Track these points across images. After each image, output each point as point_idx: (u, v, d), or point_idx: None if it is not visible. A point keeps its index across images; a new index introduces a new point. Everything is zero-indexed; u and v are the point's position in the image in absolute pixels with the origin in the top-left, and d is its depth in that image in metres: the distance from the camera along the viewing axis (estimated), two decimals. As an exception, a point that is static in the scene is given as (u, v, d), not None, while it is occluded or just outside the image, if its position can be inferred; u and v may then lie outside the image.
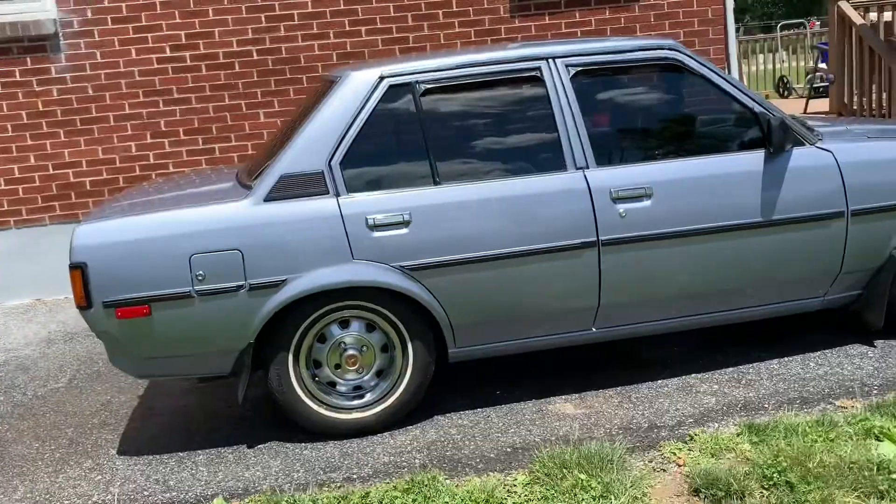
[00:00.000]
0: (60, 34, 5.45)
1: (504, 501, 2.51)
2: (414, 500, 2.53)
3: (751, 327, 3.56)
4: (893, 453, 2.56)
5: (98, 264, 2.78)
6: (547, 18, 6.01)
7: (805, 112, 8.38)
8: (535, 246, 2.98)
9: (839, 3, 7.06)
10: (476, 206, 2.95)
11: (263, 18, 5.68)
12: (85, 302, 2.80)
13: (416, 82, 3.00)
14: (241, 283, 2.81)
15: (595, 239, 3.00)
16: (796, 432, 2.70)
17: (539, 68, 3.08)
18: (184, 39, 5.60)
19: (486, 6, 5.91)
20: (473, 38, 5.94)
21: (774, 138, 3.04)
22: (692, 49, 6.10)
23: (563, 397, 3.22)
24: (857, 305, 3.37)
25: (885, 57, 6.45)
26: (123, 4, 5.52)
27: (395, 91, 2.98)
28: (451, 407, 3.23)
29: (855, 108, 7.03)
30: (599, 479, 2.53)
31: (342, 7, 5.75)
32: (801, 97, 8.61)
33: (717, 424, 2.89)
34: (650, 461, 2.70)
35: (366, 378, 3.05)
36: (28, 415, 3.54)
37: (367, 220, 2.88)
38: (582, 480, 2.53)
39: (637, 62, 3.15)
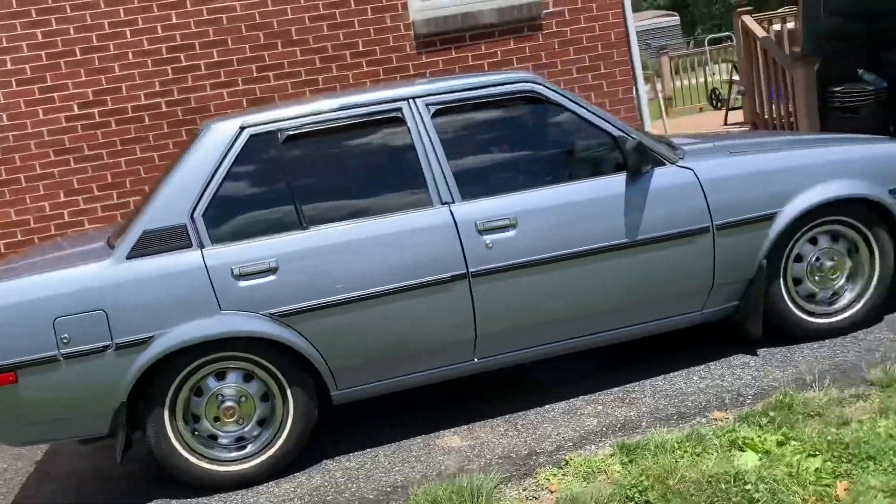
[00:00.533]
0: (-36, 100, 5.43)
1: (372, 543, 2.51)
2: (283, 550, 2.52)
3: (641, 344, 3.61)
4: (753, 463, 2.60)
5: (-40, 334, 2.77)
6: (453, 52, 6.11)
7: (725, 123, 8.58)
8: (406, 283, 3.01)
9: (742, 17, 7.27)
10: (343, 247, 2.98)
11: (170, 70, 5.71)
12: (-51, 373, 2.78)
13: (278, 130, 3.05)
14: (107, 343, 2.81)
15: (465, 271, 3.05)
16: (665, 449, 2.74)
17: (400, 109, 3.13)
18: (91, 96, 5.61)
19: (392, 44, 6.01)
20: (382, 77, 6.02)
21: (630, 161, 3.12)
22: (598, 72, 6.27)
23: (452, 430, 3.24)
24: (737, 316, 3.44)
25: (786, 67, 6.64)
26: (27, 66, 5.52)
27: (256, 140, 3.02)
28: (342, 449, 3.24)
29: (766, 117, 7.21)
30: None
31: (249, 54, 5.81)
32: (732, 108, 8.81)
33: (593, 446, 2.92)
34: (524, 490, 2.72)
35: (247, 428, 3.04)
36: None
37: (232, 269, 2.90)
38: (451, 515, 2.55)
39: (497, 96, 3.22)
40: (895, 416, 2.73)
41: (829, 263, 3.47)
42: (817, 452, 2.58)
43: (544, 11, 6.17)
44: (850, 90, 6.59)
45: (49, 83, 5.55)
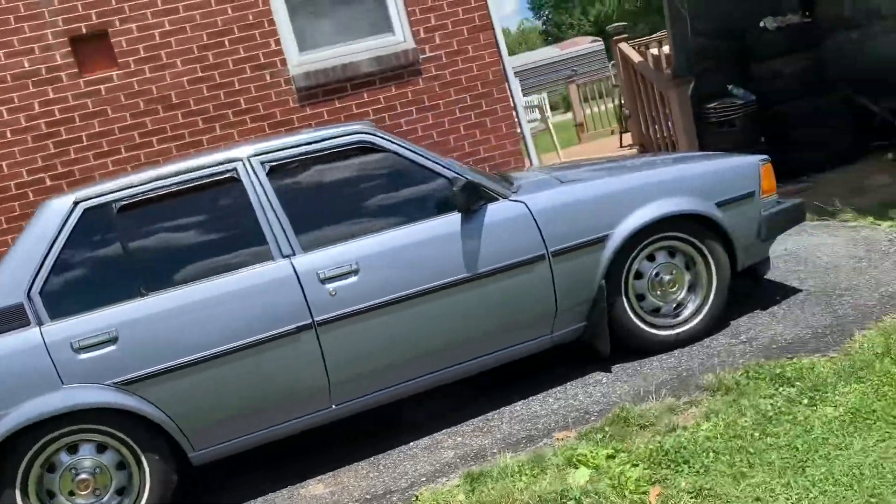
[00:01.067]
0: None
1: None
2: None
3: (505, 371, 3.72)
4: (584, 479, 2.72)
5: None
6: (336, 102, 6.26)
7: (621, 146, 8.89)
8: (251, 339, 3.09)
9: (619, 45, 7.60)
10: (184, 309, 3.05)
11: (52, 145, 5.73)
12: None
13: (112, 202, 3.12)
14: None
15: (310, 321, 3.13)
16: (507, 474, 2.85)
17: (235, 169, 3.24)
18: (-29, 177, 5.59)
19: (274, 99, 6.13)
20: (268, 131, 6.12)
21: (459, 200, 3.26)
22: (481, 109, 6.47)
23: (317, 478, 3.29)
24: (586, 336, 3.58)
25: (661, 89, 6.96)
26: None
27: (91, 213, 3.09)
28: (209, 508, 3.26)
29: (652, 138, 7.51)
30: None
31: (129, 122, 5.86)
32: (625, 131, 9.15)
33: (445, 479, 3.01)
34: (372, 531, 2.79)
35: (105, 500, 3.05)
36: None
37: (72, 343, 2.94)
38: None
39: (331, 149, 3.35)
40: (716, 419, 2.88)
41: (667, 277, 3.65)
42: (639, 462, 2.71)
43: (421, 57, 6.38)
44: (723, 105, 6.94)
45: (-72, 167, 5.53)
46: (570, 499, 2.59)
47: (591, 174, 3.80)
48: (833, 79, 6.91)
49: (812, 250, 4.54)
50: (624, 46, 7.51)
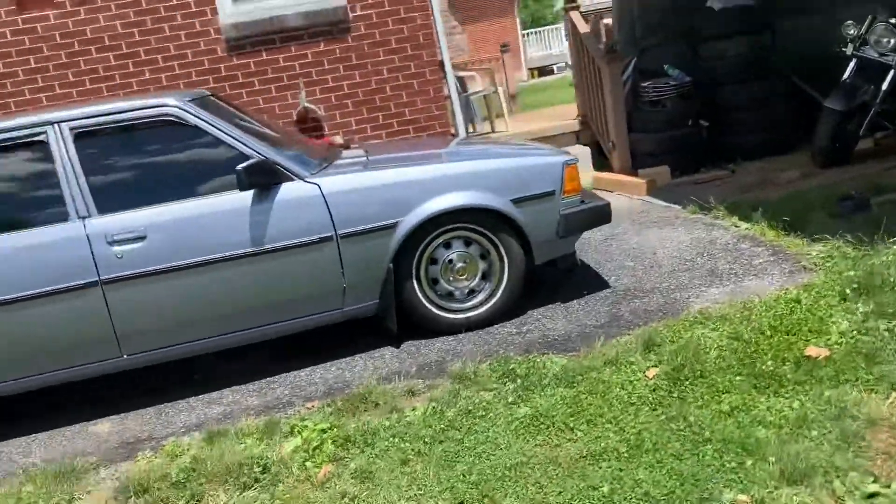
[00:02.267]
0: None
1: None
2: None
3: (320, 337, 3.99)
4: (292, 447, 3.00)
5: None
6: (264, 54, 6.45)
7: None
8: (43, 290, 3.41)
9: (570, 12, 7.54)
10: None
11: (-10, 77, 6.09)
12: None
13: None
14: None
15: (97, 279, 3.44)
16: (240, 436, 3.15)
17: (45, 132, 3.51)
18: (-86, 103, 6.01)
19: (203, 48, 6.36)
20: (195, 78, 6.37)
21: (238, 178, 3.46)
22: (409, 72, 6.58)
23: (108, 418, 3.65)
24: (379, 313, 3.81)
25: (598, 62, 6.92)
26: None
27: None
28: (7, 435, 3.65)
29: (591, 111, 7.50)
30: (47, 492, 2.97)
31: (64, 60, 6.18)
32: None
33: (197, 433, 3.32)
34: (112, 472, 3.13)
35: None
36: None
37: None
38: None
39: (139, 119, 3.59)
40: (431, 406, 3.11)
41: (460, 265, 3.84)
42: (339, 439, 2.98)
43: (352, 14, 6.49)
44: (656, 85, 6.89)
45: None
46: (263, 464, 2.88)
47: (401, 159, 3.96)
48: (777, 64, 6.78)
49: (656, 246, 4.64)
50: (574, 15, 7.44)
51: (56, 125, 3.53)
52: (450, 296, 3.88)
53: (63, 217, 3.48)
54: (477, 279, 3.89)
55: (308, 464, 2.86)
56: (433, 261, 3.82)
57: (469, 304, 3.88)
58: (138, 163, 3.63)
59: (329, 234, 3.61)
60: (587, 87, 7.40)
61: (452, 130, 6.87)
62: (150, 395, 3.82)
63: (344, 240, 3.62)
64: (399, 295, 3.76)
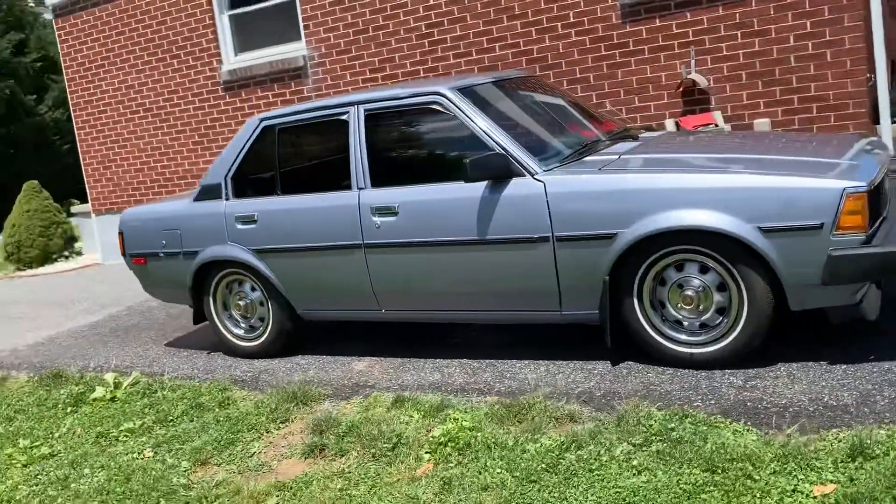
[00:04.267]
0: (300, 67, 7.81)
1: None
2: (194, 393, 4.12)
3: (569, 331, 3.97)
4: (439, 433, 3.16)
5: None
6: (657, 21, 6.16)
7: None
8: (322, 244, 4.13)
9: None
10: (298, 212, 4.23)
11: (426, 43, 7.16)
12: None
13: (278, 125, 4.38)
14: (180, 250, 4.64)
15: (361, 242, 4.01)
16: (407, 406, 3.44)
17: (348, 112, 4.14)
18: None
19: (598, 14, 6.36)
20: (588, 45, 6.42)
21: (463, 171, 3.54)
22: (822, 39, 5.59)
23: (364, 359, 4.29)
24: (600, 324, 3.58)
25: None
26: (342, 40, 7.58)
27: (265, 130, 4.41)
28: (309, 349, 4.57)
29: None
30: (274, 408, 3.74)
31: (482, 28, 6.87)
32: None
33: (391, 394, 3.70)
34: (331, 407, 3.75)
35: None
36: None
37: (235, 217, 4.43)
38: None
39: (412, 105, 3.94)
40: (562, 439, 2.91)
41: (690, 293, 3.33)
42: (461, 443, 3.02)
43: (760, -27, 5.70)
44: None
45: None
46: (397, 441, 3.14)
47: (658, 162, 3.51)
48: None
49: None
50: None
51: (355, 106, 4.13)
52: (678, 324, 3.42)
53: (348, 186, 4.09)
54: (711, 312, 3.33)
55: (426, 455, 3.01)
56: (662, 282, 3.40)
57: (698, 338, 3.38)
58: (406, 144, 4.03)
59: (546, 235, 3.51)
60: None
61: (870, 123, 5.59)
62: (407, 347, 4.32)
63: (560, 242, 3.49)
64: (617, 311, 3.47)
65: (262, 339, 4.57)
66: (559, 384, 3.49)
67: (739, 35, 5.86)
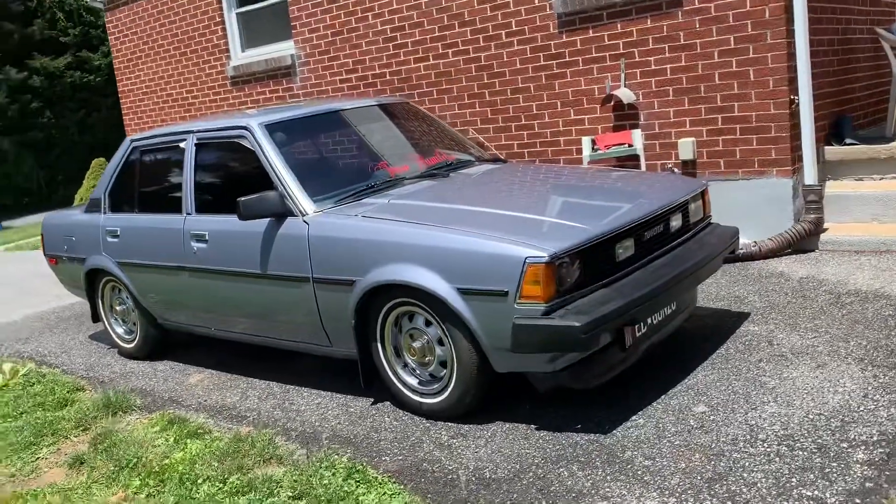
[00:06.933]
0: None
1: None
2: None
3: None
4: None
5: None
6: (591, 31, 5.95)
7: None
8: (165, 263, 4.43)
9: None
10: (145, 231, 4.56)
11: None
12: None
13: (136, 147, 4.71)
14: (74, 256, 5.10)
15: (185, 265, 4.28)
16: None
17: (186, 139, 4.38)
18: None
19: (538, 23, 6.21)
20: (529, 55, 6.30)
21: (236, 208, 3.67)
22: (745, 56, 5.25)
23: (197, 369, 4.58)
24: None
25: None
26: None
27: (133, 150, 4.75)
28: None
29: None
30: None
31: (437, 34, 6.88)
32: None
33: (173, 408, 3.97)
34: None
35: (127, 324, 5.03)
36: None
37: (106, 230, 4.81)
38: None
39: (226, 138, 4.14)
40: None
41: (417, 344, 3.35)
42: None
43: (687, -16, 5.37)
44: None
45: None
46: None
47: (412, 210, 3.51)
48: None
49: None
50: None
51: (192, 134, 4.36)
52: (413, 371, 3.46)
53: (180, 210, 4.35)
54: (435, 364, 3.35)
55: (136, 481, 3.26)
56: (401, 329, 3.44)
57: (427, 388, 3.41)
58: (221, 174, 4.27)
59: (307, 276, 3.62)
60: None
61: (793, 143, 5.16)
62: (247, 364, 4.56)
63: (318, 284, 3.59)
64: (367, 353, 3.55)
65: (135, 342, 4.97)
66: (308, 419, 3.63)
67: (667, 49, 5.57)
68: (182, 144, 4.41)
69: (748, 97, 5.27)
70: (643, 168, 5.66)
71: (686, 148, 5.52)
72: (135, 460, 3.46)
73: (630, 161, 5.76)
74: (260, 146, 3.93)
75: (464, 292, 3.06)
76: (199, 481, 3.15)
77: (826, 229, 5.26)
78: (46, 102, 17.30)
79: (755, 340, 3.73)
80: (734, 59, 5.28)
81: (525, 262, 2.90)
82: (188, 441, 3.57)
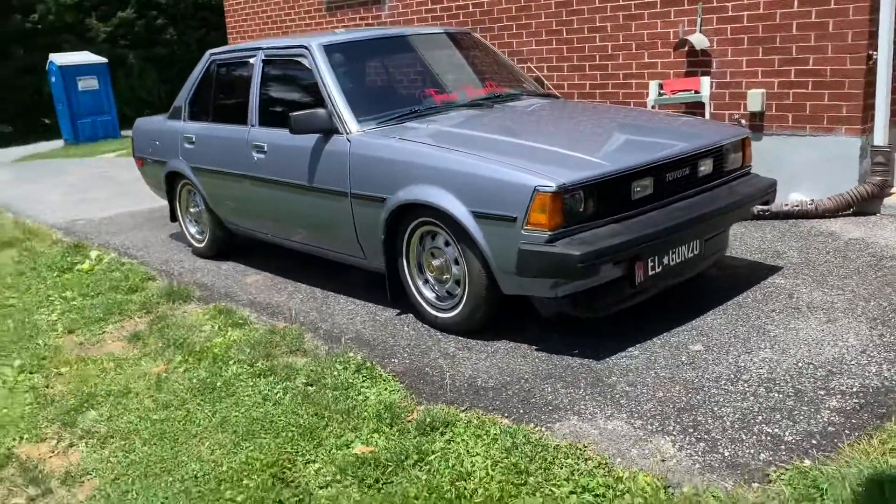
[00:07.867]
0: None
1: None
2: (125, 277, 5.09)
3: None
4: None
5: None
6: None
7: None
8: (230, 170, 4.79)
9: None
10: (216, 139, 4.92)
11: None
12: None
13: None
14: (157, 158, 5.56)
15: (246, 173, 4.63)
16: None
17: (255, 56, 4.67)
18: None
19: None
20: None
21: (291, 123, 3.93)
22: (826, 7, 5.08)
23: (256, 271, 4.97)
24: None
25: None
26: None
27: (212, 64, 5.09)
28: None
29: None
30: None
31: (520, -33, 6.86)
32: None
33: (224, 301, 4.36)
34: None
35: (198, 225, 5.48)
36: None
37: (183, 137, 5.22)
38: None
39: (288, 56, 4.39)
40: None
41: (436, 262, 3.57)
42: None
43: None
44: None
45: None
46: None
47: (442, 138, 3.66)
48: None
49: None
50: None
51: (259, 51, 4.64)
52: (433, 287, 3.69)
53: (246, 122, 4.67)
54: (451, 282, 3.57)
55: (178, 357, 3.67)
56: (424, 247, 3.67)
57: (443, 304, 3.64)
58: (283, 89, 4.52)
59: (345, 190, 3.88)
60: None
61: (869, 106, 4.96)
62: (298, 271, 4.92)
63: (355, 199, 3.84)
64: (394, 268, 3.80)
65: (205, 242, 5.41)
66: (339, 322, 3.94)
67: (750, -6, 5.40)
68: (251, 60, 4.70)
69: (824, 49, 5.09)
70: (707, 117, 5.58)
71: (755, 99, 5.40)
72: (181, 341, 3.87)
73: (696, 108, 5.68)
74: (316, 65, 4.16)
75: (478, 215, 3.24)
76: (231, 362, 3.53)
77: (892, 193, 5.08)
78: (170, 19, 18.14)
79: (776, 292, 3.76)
80: (814, 8, 5.09)
81: (534, 190, 3.04)
82: (230, 329, 3.96)
